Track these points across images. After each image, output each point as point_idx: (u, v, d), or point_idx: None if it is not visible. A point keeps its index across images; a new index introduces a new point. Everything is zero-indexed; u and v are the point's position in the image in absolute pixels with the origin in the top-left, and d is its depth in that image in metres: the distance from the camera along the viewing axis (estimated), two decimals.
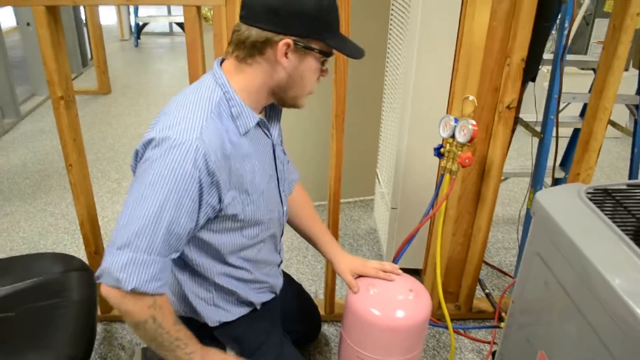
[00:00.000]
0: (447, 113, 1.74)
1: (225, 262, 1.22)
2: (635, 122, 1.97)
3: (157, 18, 6.22)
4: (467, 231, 1.82)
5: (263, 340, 1.36)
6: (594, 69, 2.07)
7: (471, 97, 1.57)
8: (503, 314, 1.81)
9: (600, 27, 3.57)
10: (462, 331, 1.88)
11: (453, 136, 1.55)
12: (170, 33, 6.39)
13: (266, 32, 1.03)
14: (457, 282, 1.94)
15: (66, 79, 1.52)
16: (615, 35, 1.48)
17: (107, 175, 2.94)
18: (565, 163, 2.29)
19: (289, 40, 1.03)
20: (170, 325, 1.07)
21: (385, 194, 2.15)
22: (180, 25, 6.09)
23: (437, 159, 1.67)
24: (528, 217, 2.01)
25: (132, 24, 5.97)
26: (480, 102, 1.63)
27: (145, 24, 6.11)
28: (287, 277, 1.53)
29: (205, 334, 1.27)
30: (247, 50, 1.06)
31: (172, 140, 0.99)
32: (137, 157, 1.07)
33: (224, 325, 1.30)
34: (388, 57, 2.14)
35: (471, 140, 1.49)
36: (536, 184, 1.98)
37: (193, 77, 1.50)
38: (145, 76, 4.65)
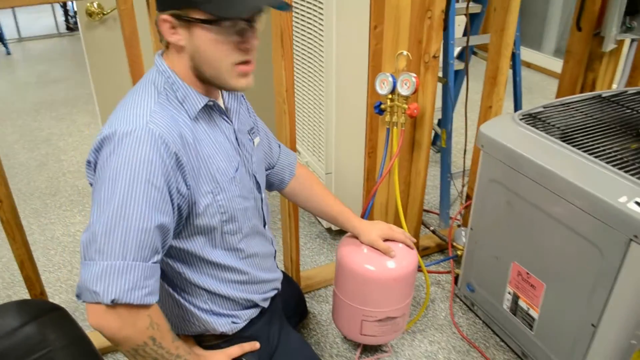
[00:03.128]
0: (368, 78, 1.81)
1: (218, 266, 1.15)
2: (513, 54, 2.26)
3: None
4: (406, 178, 1.96)
5: (278, 338, 1.33)
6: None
7: (405, 52, 1.67)
8: (454, 244, 2.00)
9: None
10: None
11: (392, 91, 1.65)
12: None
13: (158, 15, 0.97)
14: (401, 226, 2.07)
15: None
16: None
17: None
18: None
19: (165, 15, 0.95)
20: (170, 343, 1.00)
21: (314, 162, 2.20)
22: None
23: (362, 120, 1.76)
24: (444, 154, 2.21)
25: None
26: None
27: None
28: None
29: (220, 341, 1.22)
30: (160, 36, 1.01)
31: (121, 132, 0.92)
32: (91, 165, 0.98)
33: (240, 332, 1.24)
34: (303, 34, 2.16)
35: (415, 91, 1.59)
36: (446, 123, 2.18)
37: (135, 73, 1.38)
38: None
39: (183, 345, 1.03)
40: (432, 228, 2.12)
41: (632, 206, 1.21)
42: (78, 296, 0.91)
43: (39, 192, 2.70)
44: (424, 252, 2.14)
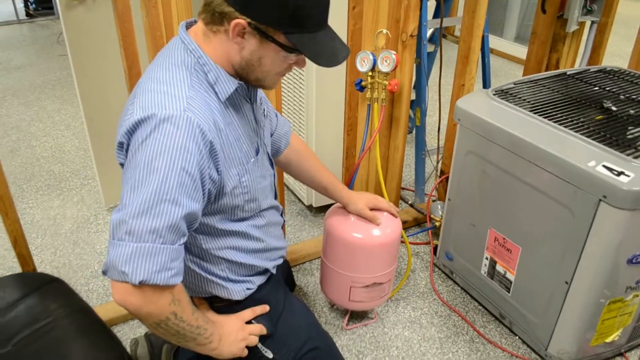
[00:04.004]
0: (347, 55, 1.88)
1: (236, 235, 1.20)
2: (483, 37, 2.36)
3: None
4: (384, 153, 2.04)
5: (283, 302, 1.38)
6: None
7: (385, 31, 1.74)
8: (432, 216, 2.10)
9: None
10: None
11: (372, 69, 1.72)
12: None
13: (227, 5, 0.95)
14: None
15: None
16: None
17: None
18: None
19: (242, 21, 0.95)
20: (190, 316, 1.04)
21: None
22: None
23: (342, 99, 1.83)
24: (418, 132, 2.30)
25: None
26: None
27: None
28: None
29: (231, 307, 1.27)
30: (210, 16, 0.99)
31: (159, 117, 0.93)
32: (123, 148, 0.99)
33: (250, 297, 1.28)
34: None
35: (395, 68, 1.67)
36: (421, 102, 2.26)
37: (128, 50, 1.41)
38: None
39: (202, 316, 1.08)
40: (410, 202, 2.21)
41: (601, 169, 1.32)
42: (104, 272, 0.93)
43: (14, 177, 2.67)
44: (403, 225, 2.23)
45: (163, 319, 0.98)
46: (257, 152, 1.16)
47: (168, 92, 0.96)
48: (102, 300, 1.89)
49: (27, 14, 5.79)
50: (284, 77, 2.22)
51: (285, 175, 2.59)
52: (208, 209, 1.09)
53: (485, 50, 2.42)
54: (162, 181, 0.91)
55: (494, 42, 4.57)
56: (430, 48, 2.59)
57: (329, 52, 1.01)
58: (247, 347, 1.22)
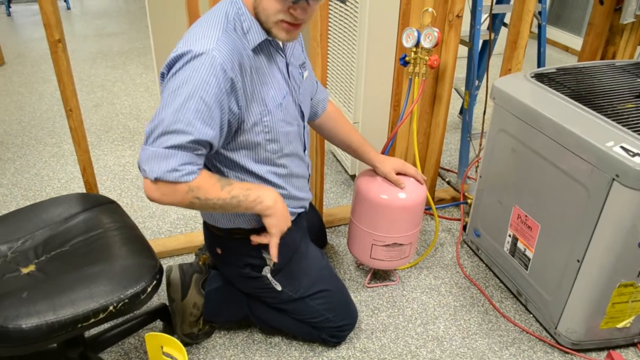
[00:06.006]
0: (397, 33, 1.98)
1: (258, 178, 1.35)
2: (539, 25, 2.37)
3: None
4: (426, 130, 2.13)
5: (298, 244, 1.53)
6: None
7: (430, 9, 1.83)
8: (466, 194, 2.17)
9: None
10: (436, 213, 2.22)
11: (417, 45, 1.81)
12: None
13: None
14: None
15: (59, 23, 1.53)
16: None
17: (43, 141, 2.84)
18: (477, 73, 2.67)
19: None
20: (218, 193, 1.20)
21: (344, 112, 2.39)
22: None
23: (390, 75, 1.93)
24: (465, 115, 2.36)
25: None
26: None
27: None
28: None
29: (247, 243, 1.40)
30: None
31: (192, 53, 1.12)
32: (164, 77, 1.19)
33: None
34: None
35: (436, 44, 1.76)
36: (469, 85, 2.32)
37: (192, 14, 1.59)
38: (34, 44, 4.36)
39: (237, 187, 1.24)
40: (447, 179, 2.28)
41: (617, 149, 1.36)
42: (139, 169, 1.17)
43: (94, 129, 2.98)
44: (439, 202, 2.31)
45: (187, 204, 1.19)
46: (283, 98, 1.30)
47: (203, 33, 1.15)
48: (155, 236, 2.12)
49: None
50: (335, 51, 2.35)
51: (333, 147, 2.74)
52: (233, 144, 1.26)
53: (541, 40, 2.43)
54: (182, 104, 1.12)
55: (573, 40, 4.46)
56: (486, 36, 2.62)
57: None
58: (257, 277, 1.39)
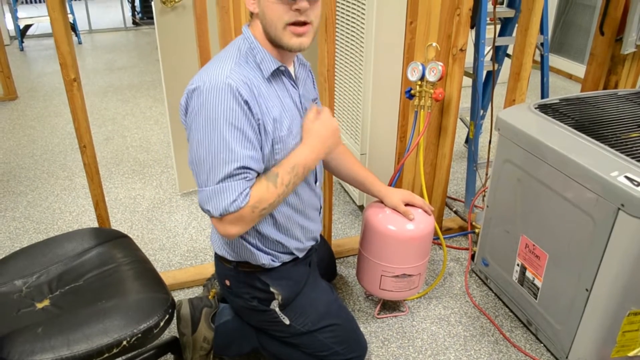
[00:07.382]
0: (402, 67, 2.02)
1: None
2: (542, 56, 2.42)
3: (39, 19, 5.87)
4: (432, 161, 2.15)
5: (306, 279, 1.53)
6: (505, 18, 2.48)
7: (434, 44, 1.88)
8: (474, 223, 2.18)
9: None
10: (444, 242, 2.22)
11: (422, 79, 1.85)
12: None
13: None
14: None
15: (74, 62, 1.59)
16: None
17: (55, 175, 2.89)
18: (481, 102, 2.71)
19: None
20: (275, 191, 1.25)
21: (351, 144, 2.42)
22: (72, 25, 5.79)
23: (396, 107, 1.97)
24: (470, 145, 2.39)
25: (13, 27, 5.62)
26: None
27: (28, 26, 5.75)
28: None
29: (254, 274, 1.44)
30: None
31: (207, 86, 1.18)
32: (183, 110, 1.25)
33: (273, 268, 1.45)
34: (347, 26, 2.39)
35: (441, 78, 1.80)
36: (474, 116, 2.36)
37: (203, 49, 1.64)
38: (46, 78, 4.46)
39: (283, 173, 1.27)
40: (455, 209, 2.30)
41: (622, 179, 1.38)
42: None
43: (105, 162, 3.04)
44: (447, 232, 2.33)
45: (260, 218, 1.26)
46: (296, 127, 1.34)
47: (218, 67, 1.21)
48: (165, 269, 2.14)
49: (134, 22, 6.42)
50: (342, 85, 2.40)
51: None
52: None
53: (544, 70, 2.47)
54: (217, 137, 1.18)
55: (576, 68, 4.51)
56: (490, 67, 2.66)
57: None
58: (265, 310, 1.42)
